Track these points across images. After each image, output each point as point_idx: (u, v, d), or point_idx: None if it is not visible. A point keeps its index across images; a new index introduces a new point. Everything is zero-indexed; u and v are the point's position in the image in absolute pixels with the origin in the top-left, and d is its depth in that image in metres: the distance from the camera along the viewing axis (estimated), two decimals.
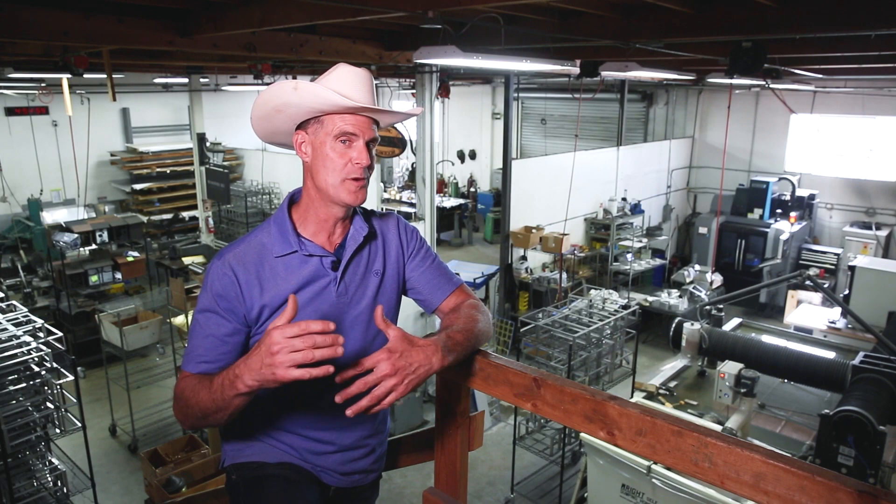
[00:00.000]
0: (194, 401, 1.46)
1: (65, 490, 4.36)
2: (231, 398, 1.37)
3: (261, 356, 1.29)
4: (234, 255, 1.58)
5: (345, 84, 1.54)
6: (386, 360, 1.38)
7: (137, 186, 12.16)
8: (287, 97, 1.52)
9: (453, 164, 15.42)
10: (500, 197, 9.75)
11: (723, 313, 5.66)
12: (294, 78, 8.89)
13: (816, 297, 7.37)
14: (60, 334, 4.27)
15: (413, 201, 11.31)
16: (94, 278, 8.51)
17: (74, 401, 4.49)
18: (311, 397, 1.66)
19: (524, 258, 9.31)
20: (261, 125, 1.64)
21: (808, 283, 5.29)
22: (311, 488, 1.69)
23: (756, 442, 2.59)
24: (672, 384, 5.27)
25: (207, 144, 10.81)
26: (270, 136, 1.68)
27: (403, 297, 1.84)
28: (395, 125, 8.17)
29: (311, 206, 1.63)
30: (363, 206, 1.75)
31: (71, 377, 4.26)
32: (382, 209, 10.02)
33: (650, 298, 9.25)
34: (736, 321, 6.26)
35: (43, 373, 4.13)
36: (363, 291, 1.68)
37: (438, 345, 1.48)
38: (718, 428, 3.96)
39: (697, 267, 9.91)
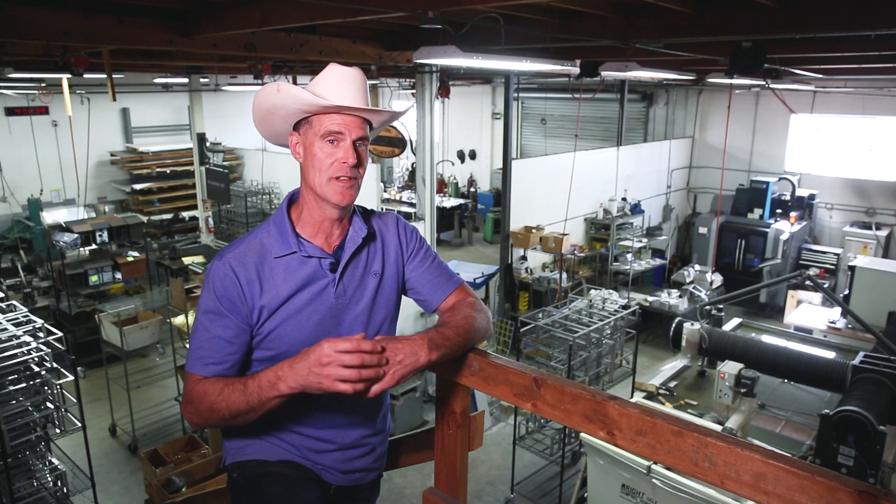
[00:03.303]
0: (223, 403, 1.48)
1: (65, 490, 4.35)
2: (269, 399, 1.43)
3: (309, 364, 1.36)
4: (234, 255, 1.59)
5: (330, 84, 1.56)
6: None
7: (137, 186, 12.16)
8: (273, 99, 1.56)
9: (453, 164, 15.42)
10: (500, 197, 9.75)
11: (723, 313, 5.66)
12: (294, 78, 8.95)
13: (816, 297, 7.37)
14: (60, 334, 4.27)
15: (413, 201, 11.31)
16: (94, 278, 8.51)
17: (74, 401, 4.49)
18: (312, 396, 1.67)
19: (524, 258, 9.31)
20: (262, 128, 1.67)
21: (808, 283, 5.29)
22: (312, 486, 1.69)
23: (756, 442, 2.59)
24: (672, 384, 5.27)
25: (207, 144, 10.81)
26: (275, 138, 1.70)
27: (403, 297, 1.84)
28: (395, 125, 8.17)
29: (308, 208, 1.64)
30: (362, 205, 1.75)
31: (71, 377, 4.26)
32: (382, 209, 10.02)
33: (650, 298, 9.25)
34: (736, 321, 6.26)
35: (43, 373, 4.12)
36: (361, 292, 1.68)
37: (425, 339, 1.49)
38: (718, 428, 3.96)
39: (697, 267, 9.91)
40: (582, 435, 4.77)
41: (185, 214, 12.50)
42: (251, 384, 1.45)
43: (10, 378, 4.02)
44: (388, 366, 1.41)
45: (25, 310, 4.62)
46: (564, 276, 9.02)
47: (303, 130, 1.60)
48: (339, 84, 1.56)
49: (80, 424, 4.40)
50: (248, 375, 1.49)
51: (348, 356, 1.33)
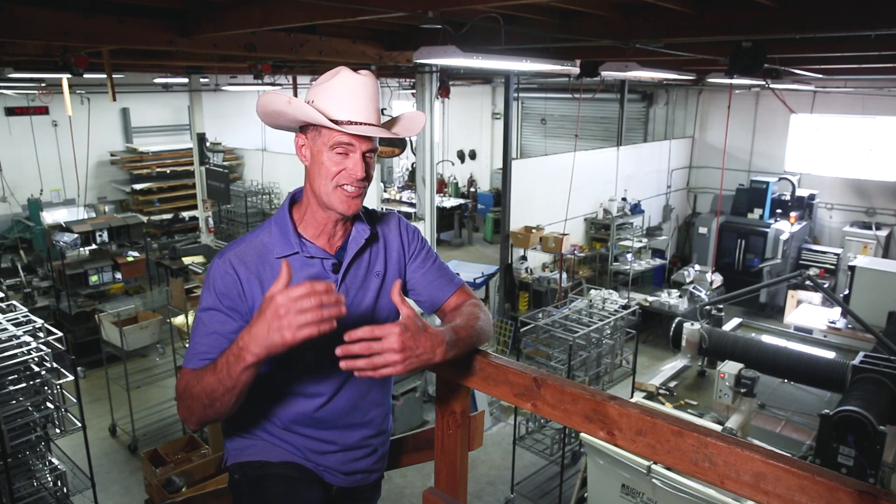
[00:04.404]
0: (199, 388, 1.44)
1: (65, 490, 4.36)
2: (239, 373, 1.36)
3: (267, 322, 1.29)
4: (234, 253, 1.59)
5: (342, 97, 1.52)
6: (397, 335, 1.36)
7: (137, 186, 12.15)
8: (282, 107, 1.54)
9: (453, 164, 15.42)
10: (500, 197, 9.76)
11: (723, 313, 5.66)
12: (294, 78, 8.93)
13: (816, 297, 7.37)
14: (60, 334, 4.27)
15: (413, 201, 11.31)
16: (94, 278, 8.51)
17: (74, 401, 4.49)
18: (314, 397, 1.67)
19: (524, 258, 9.31)
20: (266, 120, 1.65)
21: (808, 283, 5.29)
22: (314, 488, 1.69)
23: (756, 442, 2.59)
24: (672, 384, 5.27)
25: (207, 144, 10.81)
26: (277, 127, 1.69)
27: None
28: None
29: (311, 210, 1.63)
30: (364, 205, 1.74)
31: (71, 377, 4.26)
32: (382, 209, 9.98)
33: (650, 298, 9.25)
34: (736, 321, 6.26)
35: (43, 373, 4.12)
36: (364, 294, 1.68)
37: (445, 337, 1.47)
38: (718, 428, 3.96)
39: (697, 267, 9.91)
40: (582, 435, 4.77)
41: (185, 214, 12.49)
42: (220, 361, 1.39)
43: (10, 378, 4.02)
44: (404, 353, 1.36)
45: (25, 310, 4.62)
46: (564, 276, 9.01)
47: (310, 136, 1.58)
48: (351, 96, 1.52)
49: (80, 424, 4.40)
50: (225, 357, 1.41)
51: (304, 300, 1.26)
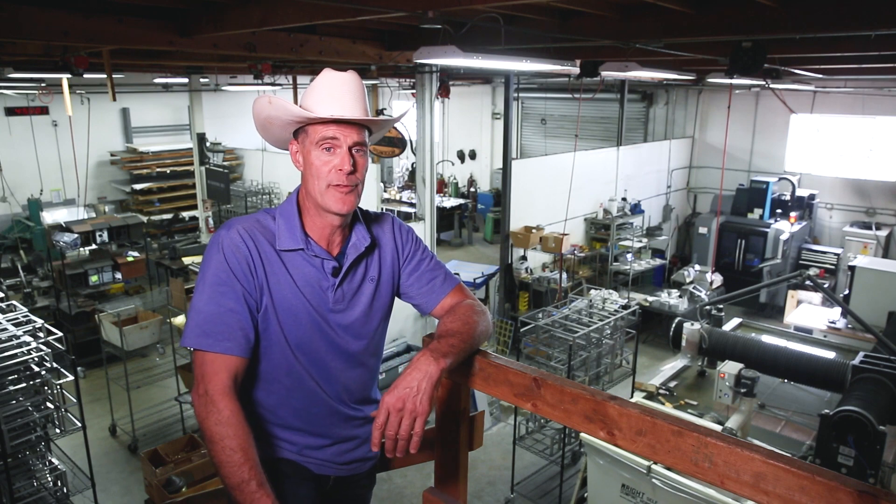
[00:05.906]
0: (224, 456, 1.44)
1: (65, 490, 4.35)
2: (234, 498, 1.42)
3: None
4: (243, 227, 1.57)
5: (324, 92, 1.55)
6: (388, 395, 1.40)
7: (137, 186, 12.15)
8: (267, 111, 1.56)
9: (453, 164, 15.42)
10: (500, 197, 9.76)
11: (723, 313, 5.65)
12: (294, 78, 8.93)
13: (816, 297, 7.37)
14: (60, 334, 4.27)
15: (413, 201, 11.31)
16: (94, 278, 8.51)
17: (74, 401, 4.49)
18: (308, 396, 1.68)
19: (524, 258, 9.31)
20: (264, 135, 1.67)
21: (808, 283, 5.29)
22: (307, 485, 1.72)
23: (756, 442, 2.59)
24: (672, 384, 5.27)
25: (207, 144, 10.81)
26: (278, 144, 1.70)
27: None
28: (395, 125, 8.17)
29: (310, 215, 1.64)
30: (360, 207, 1.74)
31: (71, 377, 4.25)
32: (382, 209, 10.01)
33: (650, 298, 9.24)
34: (736, 321, 6.25)
35: (43, 373, 4.12)
36: (358, 298, 1.68)
37: (427, 354, 1.47)
38: (718, 428, 3.96)
39: (697, 267, 9.91)
40: (582, 435, 4.77)
41: (185, 214, 12.50)
42: (251, 491, 1.39)
43: (10, 378, 4.02)
44: (415, 397, 1.40)
45: (25, 310, 4.62)
46: (564, 276, 9.02)
47: (301, 139, 1.60)
48: (332, 92, 1.55)
49: (80, 424, 4.40)
50: (259, 478, 1.41)
51: None
